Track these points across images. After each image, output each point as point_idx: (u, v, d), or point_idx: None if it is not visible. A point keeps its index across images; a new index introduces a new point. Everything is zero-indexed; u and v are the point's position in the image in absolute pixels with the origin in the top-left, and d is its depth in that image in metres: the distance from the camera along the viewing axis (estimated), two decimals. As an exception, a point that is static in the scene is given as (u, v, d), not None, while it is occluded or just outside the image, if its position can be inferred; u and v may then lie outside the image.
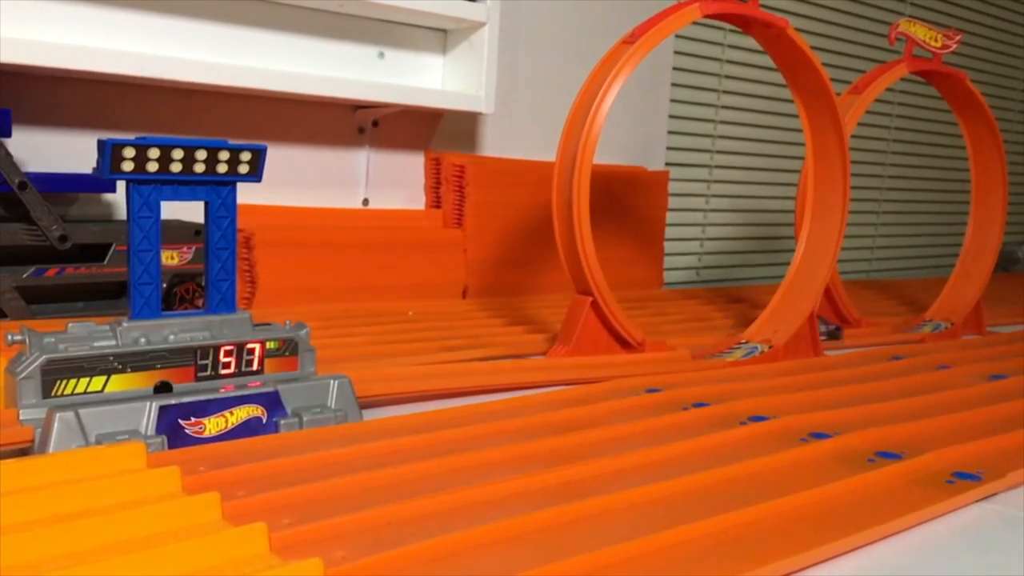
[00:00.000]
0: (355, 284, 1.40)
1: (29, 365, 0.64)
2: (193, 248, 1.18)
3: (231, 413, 0.69)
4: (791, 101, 1.23)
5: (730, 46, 2.02)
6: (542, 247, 1.59)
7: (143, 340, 0.69)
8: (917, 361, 1.21)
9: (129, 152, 0.66)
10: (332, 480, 0.59)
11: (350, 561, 0.47)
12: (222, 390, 0.70)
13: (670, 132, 1.95)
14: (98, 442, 0.62)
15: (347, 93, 1.35)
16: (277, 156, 1.38)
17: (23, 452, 0.64)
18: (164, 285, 1.16)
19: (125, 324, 0.68)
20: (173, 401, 0.66)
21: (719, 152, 2.07)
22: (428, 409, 0.81)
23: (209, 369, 0.71)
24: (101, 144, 0.65)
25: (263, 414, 0.70)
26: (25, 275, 1.08)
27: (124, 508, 0.51)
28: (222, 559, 0.46)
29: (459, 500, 0.58)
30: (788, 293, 1.24)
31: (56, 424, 0.61)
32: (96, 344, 0.67)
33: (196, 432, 0.67)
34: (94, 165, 0.67)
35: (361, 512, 0.53)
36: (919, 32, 1.39)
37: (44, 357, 0.64)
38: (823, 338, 1.31)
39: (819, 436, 0.79)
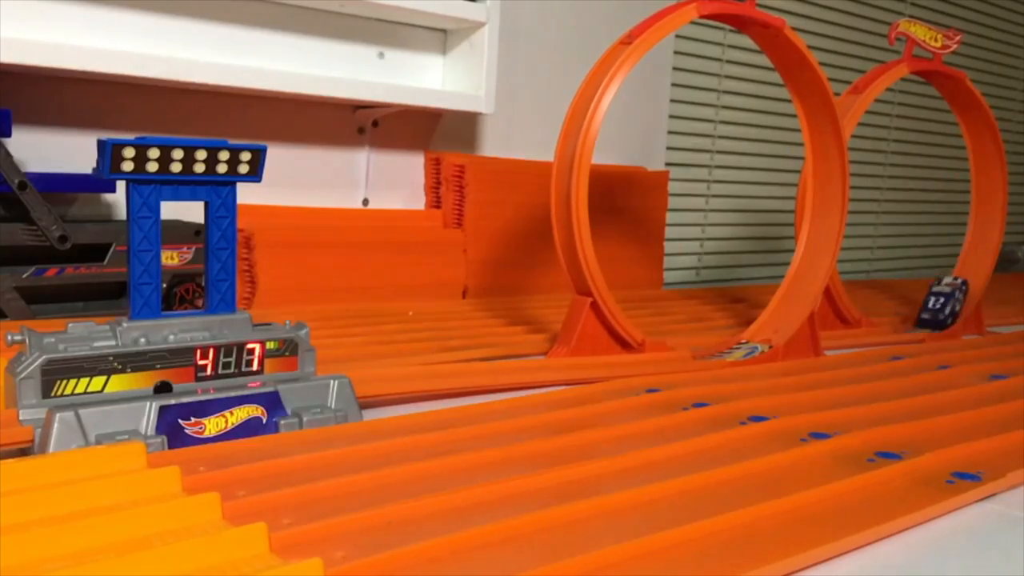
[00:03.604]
0: (355, 284, 1.40)
1: (29, 365, 0.64)
2: (193, 248, 1.18)
3: (231, 413, 0.69)
4: (791, 101, 1.23)
5: (730, 46, 2.02)
6: (542, 247, 1.59)
7: (143, 340, 0.69)
8: (917, 361, 1.21)
9: (129, 152, 0.66)
10: (332, 480, 0.59)
11: (350, 561, 0.47)
12: (222, 390, 0.70)
13: (670, 132, 1.95)
14: (98, 442, 0.62)
15: (347, 93, 1.35)
16: (277, 156, 1.38)
17: (23, 452, 0.64)
18: (164, 285, 1.16)
19: (125, 324, 0.68)
20: (173, 401, 0.66)
21: (719, 152, 2.07)
22: (428, 409, 0.81)
23: (209, 369, 0.71)
24: (101, 144, 0.65)
25: (263, 414, 0.70)
26: (25, 275, 1.08)
27: (124, 508, 0.51)
28: (222, 559, 0.46)
29: (459, 500, 0.58)
30: (788, 293, 1.24)
31: (56, 424, 0.61)
32: (96, 344, 0.67)
33: (196, 432, 0.67)
34: (94, 165, 0.67)
35: (361, 512, 0.53)
36: (919, 32, 1.39)
37: (44, 357, 0.64)
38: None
39: (819, 436, 0.79)
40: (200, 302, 1.18)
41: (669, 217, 1.90)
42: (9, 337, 0.65)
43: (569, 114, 1.08)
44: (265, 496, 0.56)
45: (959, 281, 1.46)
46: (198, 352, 0.70)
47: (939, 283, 1.49)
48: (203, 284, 0.75)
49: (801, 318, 1.20)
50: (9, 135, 1.06)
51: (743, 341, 1.22)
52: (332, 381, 0.75)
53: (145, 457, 0.59)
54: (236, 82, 1.22)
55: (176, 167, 0.68)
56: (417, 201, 1.59)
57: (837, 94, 1.23)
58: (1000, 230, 1.53)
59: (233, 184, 0.72)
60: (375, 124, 1.52)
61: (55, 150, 1.21)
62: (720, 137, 2.06)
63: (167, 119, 1.30)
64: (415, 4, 1.37)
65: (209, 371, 0.71)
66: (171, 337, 0.70)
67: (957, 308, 1.45)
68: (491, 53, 1.45)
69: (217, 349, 0.71)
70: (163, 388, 0.69)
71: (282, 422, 0.71)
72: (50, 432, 0.61)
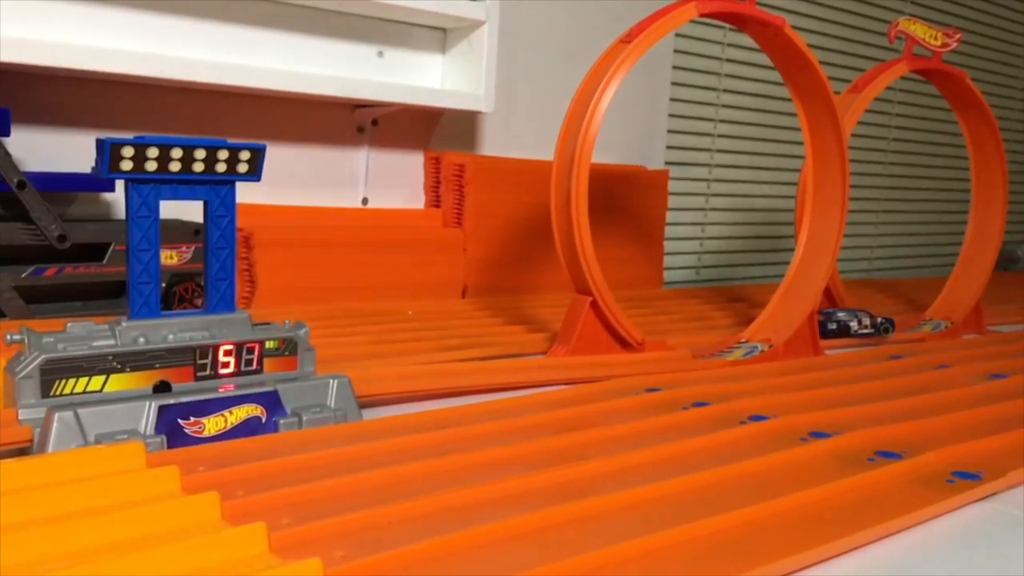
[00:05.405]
0: (355, 284, 1.40)
1: (28, 365, 0.64)
2: (192, 247, 1.18)
3: (230, 413, 0.69)
4: (791, 100, 1.23)
5: (730, 45, 2.01)
6: (542, 246, 1.58)
7: (142, 340, 0.69)
8: (917, 361, 1.21)
9: (128, 151, 0.66)
10: (332, 480, 0.59)
11: (349, 561, 0.47)
12: (221, 390, 0.69)
13: (670, 131, 1.94)
14: (97, 442, 0.61)
15: (346, 92, 1.35)
16: (276, 155, 1.38)
17: (22, 452, 0.63)
18: (163, 284, 1.16)
19: (124, 324, 0.68)
20: (172, 401, 0.66)
21: (719, 151, 2.07)
22: (428, 409, 0.81)
23: (208, 369, 0.71)
24: (100, 143, 0.65)
25: (262, 414, 0.70)
26: (24, 274, 1.08)
27: (123, 508, 0.51)
28: (221, 559, 0.46)
29: (459, 500, 0.58)
30: (788, 292, 1.24)
31: (55, 424, 0.61)
32: (95, 344, 0.67)
33: (195, 432, 0.67)
34: (93, 164, 0.67)
35: (361, 512, 0.53)
36: (919, 31, 1.39)
37: (43, 357, 0.64)
38: (871, 332, 1.35)
39: (819, 436, 0.79)
40: (199, 301, 1.18)
41: (669, 216, 1.90)
42: (8, 337, 0.65)
43: (569, 113, 1.08)
44: (264, 496, 0.55)
45: (880, 321, 1.38)
46: (197, 352, 0.70)
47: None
48: (202, 283, 0.75)
49: (801, 317, 1.20)
50: (8, 134, 1.06)
51: (743, 340, 1.22)
52: (331, 380, 0.75)
53: (144, 457, 0.58)
54: (236, 81, 1.22)
55: (175, 166, 0.68)
56: (417, 200, 1.59)
57: (837, 93, 1.23)
58: (1000, 229, 1.53)
59: (232, 183, 0.72)
60: (374, 123, 1.52)
61: (54, 149, 1.20)
62: (720, 136, 2.06)
63: (166, 118, 1.30)
64: (414, 3, 1.37)
65: (208, 371, 0.71)
66: (170, 336, 0.70)
67: (852, 326, 1.36)
68: (490, 52, 1.45)
69: (216, 349, 0.71)
70: (162, 387, 0.69)
71: (281, 421, 0.71)
72: (49, 432, 0.61)
